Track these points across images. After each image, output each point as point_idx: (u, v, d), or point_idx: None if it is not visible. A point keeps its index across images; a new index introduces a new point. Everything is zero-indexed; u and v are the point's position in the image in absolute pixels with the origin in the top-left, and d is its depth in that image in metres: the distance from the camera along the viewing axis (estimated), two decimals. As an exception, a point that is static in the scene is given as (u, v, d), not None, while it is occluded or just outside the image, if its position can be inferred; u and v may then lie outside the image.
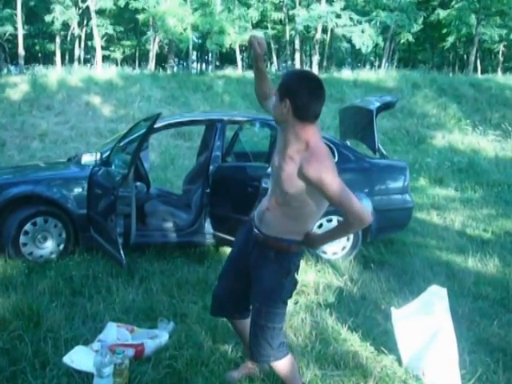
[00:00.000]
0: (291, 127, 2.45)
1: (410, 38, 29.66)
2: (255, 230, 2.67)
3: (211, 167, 5.22)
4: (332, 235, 2.69)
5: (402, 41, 31.67)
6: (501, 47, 35.24)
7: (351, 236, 5.44)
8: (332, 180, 2.34)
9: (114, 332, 3.48)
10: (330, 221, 5.39)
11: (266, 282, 2.60)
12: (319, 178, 2.32)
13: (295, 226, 2.58)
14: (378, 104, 5.62)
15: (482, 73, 30.83)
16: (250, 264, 2.68)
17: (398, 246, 5.97)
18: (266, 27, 29.99)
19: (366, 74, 20.89)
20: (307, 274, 4.83)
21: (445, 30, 30.25)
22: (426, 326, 3.23)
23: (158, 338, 3.49)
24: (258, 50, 2.63)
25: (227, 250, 5.42)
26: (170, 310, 4.04)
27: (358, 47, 27.60)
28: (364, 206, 2.42)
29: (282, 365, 2.70)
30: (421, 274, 5.03)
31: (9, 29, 26.67)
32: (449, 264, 5.41)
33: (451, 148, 13.87)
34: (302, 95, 2.39)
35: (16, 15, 25.96)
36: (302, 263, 4.97)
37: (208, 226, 5.26)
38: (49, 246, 5.13)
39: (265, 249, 2.61)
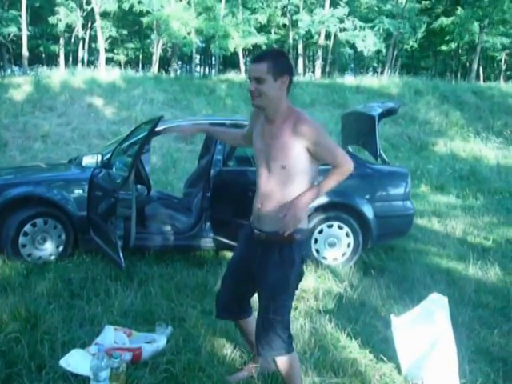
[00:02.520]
0: (279, 103, 2.55)
1: (414, 45, 29.73)
2: (256, 231, 2.69)
3: (212, 171, 5.20)
4: (323, 188, 2.56)
5: (405, 47, 31.75)
6: (503, 55, 35.32)
7: (352, 242, 5.42)
8: (326, 136, 2.54)
9: (111, 335, 3.46)
10: (330, 226, 5.38)
11: (272, 277, 2.61)
12: (317, 135, 2.48)
13: None
14: (380, 110, 5.60)
15: (484, 80, 30.88)
16: (254, 266, 2.69)
17: (398, 253, 5.94)
18: (270, 32, 30.03)
19: (368, 80, 20.93)
20: (307, 280, 4.80)
21: (447, 37, 30.31)
22: (425, 335, 3.21)
23: (155, 342, 3.46)
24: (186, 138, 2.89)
25: (227, 254, 5.41)
26: (168, 313, 4.01)
27: (359, 49, 27.65)
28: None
29: (289, 360, 2.70)
30: (421, 281, 4.99)
31: (13, 30, 26.74)
32: (449, 271, 5.38)
33: (453, 155, 13.87)
34: (293, 69, 2.63)
35: (20, 16, 26.07)
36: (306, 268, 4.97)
37: (208, 230, 5.24)
38: (48, 248, 5.12)
39: (269, 246, 2.63)
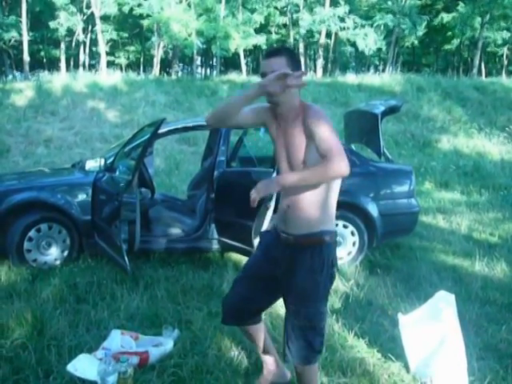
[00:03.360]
0: (294, 98, 2.48)
1: (415, 42, 29.70)
2: (283, 235, 2.59)
3: (216, 172, 5.19)
4: (306, 175, 2.39)
5: (406, 44, 31.71)
6: (505, 50, 35.23)
7: (357, 241, 5.41)
8: (327, 128, 2.36)
9: (118, 339, 3.45)
10: (335, 225, 5.35)
11: (302, 282, 2.51)
12: (316, 123, 2.36)
13: (321, 211, 2.50)
14: (383, 108, 5.59)
15: (486, 76, 30.82)
16: (279, 272, 2.59)
17: (404, 251, 5.92)
18: (270, 32, 30.04)
19: (370, 78, 20.89)
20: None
21: (449, 34, 30.27)
22: (433, 333, 3.19)
23: (162, 345, 3.45)
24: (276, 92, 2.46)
25: (232, 255, 5.40)
26: (174, 316, 4.00)
27: (361, 49, 27.63)
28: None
29: (313, 369, 2.64)
30: (427, 278, 4.98)
31: (14, 35, 26.83)
32: (456, 268, 5.36)
33: (456, 151, 13.82)
34: None
35: (21, 22, 26.14)
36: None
37: (213, 232, 5.23)
38: (53, 253, 5.12)
39: (298, 249, 2.53)
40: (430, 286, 4.62)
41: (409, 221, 5.74)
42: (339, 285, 4.78)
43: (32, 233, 5.04)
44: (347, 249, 5.43)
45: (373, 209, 5.41)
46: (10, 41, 27.84)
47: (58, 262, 5.10)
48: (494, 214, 7.99)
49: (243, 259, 5.11)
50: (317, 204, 2.49)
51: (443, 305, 3.23)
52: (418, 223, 6.12)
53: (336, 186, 2.53)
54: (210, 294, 4.45)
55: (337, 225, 5.36)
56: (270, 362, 3.03)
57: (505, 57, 37.21)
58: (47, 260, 5.10)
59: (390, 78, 20.55)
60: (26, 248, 5.02)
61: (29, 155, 12.11)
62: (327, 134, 2.35)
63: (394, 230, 5.66)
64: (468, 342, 3.29)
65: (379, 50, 31.65)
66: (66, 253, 5.16)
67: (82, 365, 3.16)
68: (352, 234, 5.41)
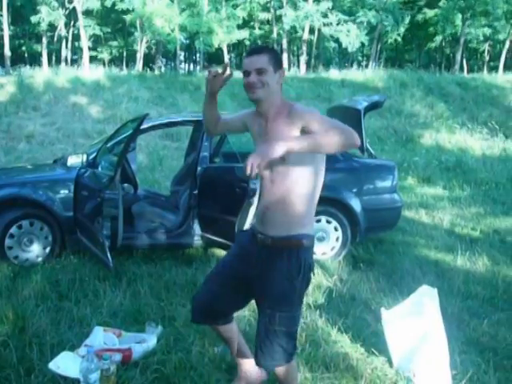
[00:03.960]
0: (276, 96, 2.49)
1: (398, 38, 29.85)
2: (260, 236, 2.54)
3: (199, 168, 5.17)
4: (318, 138, 2.25)
5: (389, 41, 31.86)
6: (486, 46, 35.56)
7: (340, 236, 5.43)
8: (322, 115, 2.39)
9: (100, 336, 3.43)
10: (318, 221, 5.37)
11: (278, 286, 2.46)
12: (311, 113, 2.37)
13: (302, 214, 2.47)
14: (365, 104, 5.60)
15: (468, 72, 31.05)
16: (254, 273, 2.54)
17: (387, 246, 5.96)
18: (254, 27, 30.00)
19: (353, 74, 20.97)
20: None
21: (431, 30, 30.47)
22: (416, 327, 3.21)
23: (145, 342, 3.44)
24: (215, 88, 2.60)
25: (216, 251, 5.39)
26: (158, 313, 3.99)
27: (344, 45, 27.72)
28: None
29: (288, 367, 2.60)
30: (410, 273, 5.01)
31: (-6, 29, 26.50)
32: (438, 263, 5.41)
33: (439, 147, 13.95)
34: None
35: (2, 16, 25.77)
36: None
37: (196, 228, 5.21)
38: (35, 250, 5.07)
39: (274, 252, 2.48)
40: (413, 281, 4.65)
41: (392, 216, 5.77)
42: (323, 280, 4.80)
43: (13, 229, 4.98)
44: (330, 244, 5.45)
45: (356, 204, 5.43)
46: (-10, 35, 27.52)
47: (39, 259, 5.05)
48: (476, 208, 8.07)
49: (227, 255, 5.10)
50: (297, 207, 2.45)
51: (426, 299, 3.25)
52: (401, 218, 6.17)
53: (318, 189, 2.51)
54: (194, 289, 4.41)
55: (320, 220, 5.38)
56: (244, 363, 2.97)
57: (486, 53, 37.56)
58: (29, 257, 5.04)
59: (373, 74, 20.66)
60: (7, 245, 4.96)
61: (10, 151, 11.96)
62: (325, 118, 2.37)
63: (377, 225, 5.69)
64: (450, 336, 3.32)
65: (362, 45, 31.83)
66: (47, 249, 5.11)
67: (65, 362, 3.13)
68: (335, 229, 5.43)
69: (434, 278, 4.85)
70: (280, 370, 2.60)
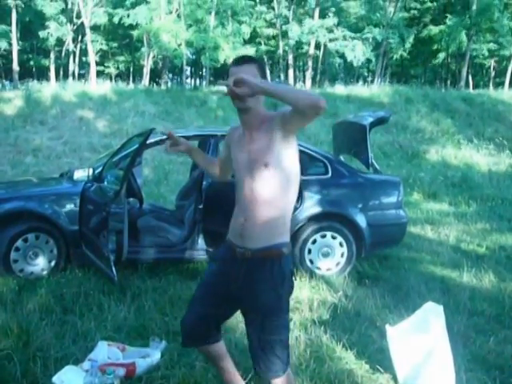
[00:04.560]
0: (261, 106, 2.50)
1: (404, 54, 29.95)
2: (239, 250, 2.50)
3: (204, 183, 5.17)
4: (285, 88, 2.39)
5: (394, 57, 31.97)
6: (492, 62, 35.62)
7: (345, 252, 5.41)
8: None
9: (104, 351, 3.42)
10: (323, 236, 5.36)
11: (263, 296, 2.46)
12: (283, 110, 2.36)
13: (279, 224, 2.47)
14: (371, 119, 5.61)
15: (473, 88, 31.13)
16: (235, 286, 2.52)
17: (392, 262, 5.93)
18: (260, 43, 30.19)
19: (359, 89, 21.04)
20: (301, 291, 4.78)
21: (436, 46, 30.57)
22: (421, 344, 3.19)
23: (149, 356, 3.42)
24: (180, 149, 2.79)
25: (221, 266, 5.37)
26: (162, 327, 3.97)
27: (349, 60, 27.84)
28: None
29: (286, 378, 2.58)
30: (416, 289, 4.98)
31: (3, 45, 26.78)
32: (444, 279, 5.38)
33: (445, 162, 13.93)
34: None
35: (11, 31, 26.04)
36: (296, 280, 4.94)
37: (201, 242, 5.22)
38: (40, 263, 5.08)
39: (257, 263, 2.47)
40: (419, 297, 4.62)
41: (397, 232, 5.75)
42: (328, 296, 4.78)
43: (19, 243, 4.99)
44: (335, 260, 5.43)
45: (361, 220, 5.42)
46: (-1, 50, 27.81)
47: (44, 273, 5.05)
48: (482, 224, 8.04)
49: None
50: (275, 217, 2.45)
51: (431, 316, 3.23)
52: (407, 234, 6.15)
53: (293, 197, 2.51)
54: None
55: (325, 236, 5.37)
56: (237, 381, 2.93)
57: (492, 69, 37.64)
58: (34, 270, 5.05)
59: (378, 90, 20.73)
60: (12, 258, 4.97)
61: (17, 164, 12.04)
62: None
63: (383, 240, 5.67)
64: (456, 354, 3.29)
65: (368, 61, 31.92)
66: (53, 263, 5.12)
67: (68, 377, 3.12)
68: (340, 244, 5.41)
69: (439, 295, 4.81)
70: (278, 381, 2.57)
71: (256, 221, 2.46)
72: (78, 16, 29.44)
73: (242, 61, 2.50)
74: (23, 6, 25.41)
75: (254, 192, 2.46)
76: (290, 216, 2.53)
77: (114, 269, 4.40)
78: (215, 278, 2.66)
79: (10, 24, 26.46)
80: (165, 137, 5.57)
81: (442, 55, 32.04)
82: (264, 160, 2.41)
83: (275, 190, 2.44)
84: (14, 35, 25.96)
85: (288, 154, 2.43)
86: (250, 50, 27.44)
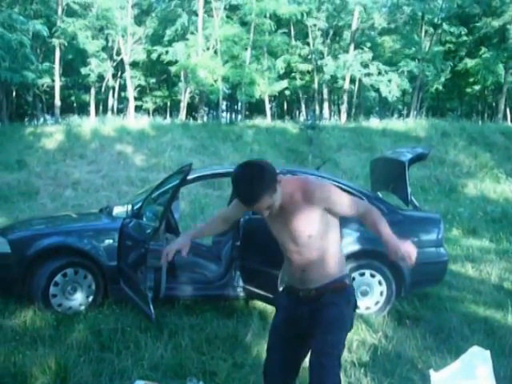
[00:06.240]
0: (277, 199, 2.57)
1: (440, 87, 29.78)
2: (302, 292, 2.69)
3: (242, 219, 5.16)
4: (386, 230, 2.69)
5: (430, 90, 31.81)
6: (530, 95, 35.04)
7: (384, 290, 5.30)
8: (340, 192, 2.65)
9: (141, 390, 3.39)
10: (362, 274, 5.27)
11: (328, 314, 2.60)
12: (332, 194, 2.59)
13: (336, 261, 2.67)
14: (409, 156, 5.56)
15: (511, 121, 30.62)
16: (304, 324, 2.67)
17: (433, 301, 5.77)
18: (294, 78, 30.46)
19: (394, 123, 20.93)
20: (340, 330, 4.68)
21: (472, 79, 30.33)
22: (467, 391, 3.07)
23: (186, 397, 3.38)
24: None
25: (257, 303, 5.33)
26: (199, 367, 3.93)
27: (384, 95, 27.80)
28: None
29: None
30: (458, 331, 4.82)
31: (47, 81, 27.57)
32: (487, 320, 5.19)
33: (484, 197, 13.65)
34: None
35: (54, 68, 26.91)
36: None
37: (238, 279, 5.18)
38: (78, 298, 5.12)
39: (321, 297, 2.64)
40: (462, 339, 4.48)
41: (438, 270, 5.61)
42: (367, 336, 4.67)
43: (58, 278, 5.05)
44: (374, 298, 5.32)
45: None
46: (42, 86, 28.63)
47: (82, 308, 5.09)
48: (525, 262, 7.79)
49: (268, 308, 5.04)
50: (332, 260, 2.66)
51: (478, 362, 3.12)
52: (447, 272, 5.99)
53: (338, 234, 2.70)
54: (235, 343, 4.37)
55: (364, 274, 5.28)
56: None
57: (530, 102, 37.04)
58: (72, 305, 5.09)
59: (414, 123, 20.58)
60: (51, 293, 5.03)
61: (57, 197, 12.31)
62: (344, 198, 2.62)
63: (423, 279, 5.53)
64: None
65: (403, 94, 31.82)
66: (90, 298, 5.15)
67: (105, 417, 3.10)
68: (379, 283, 5.31)
69: (483, 337, 4.65)
70: None
71: (314, 269, 2.65)
72: (118, 53, 30.31)
73: (252, 200, 2.50)
74: (66, 44, 26.26)
75: (302, 255, 2.65)
76: (341, 248, 2.76)
77: (151, 306, 4.40)
78: (283, 323, 2.81)
79: (53, 61, 27.35)
80: (202, 174, 5.64)
81: (476, 87, 31.72)
82: (307, 233, 2.59)
83: (322, 245, 2.63)
84: (56, 72, 26.75)
85: (329, 217, 2.62)
86: (284, 84, 27.70)
